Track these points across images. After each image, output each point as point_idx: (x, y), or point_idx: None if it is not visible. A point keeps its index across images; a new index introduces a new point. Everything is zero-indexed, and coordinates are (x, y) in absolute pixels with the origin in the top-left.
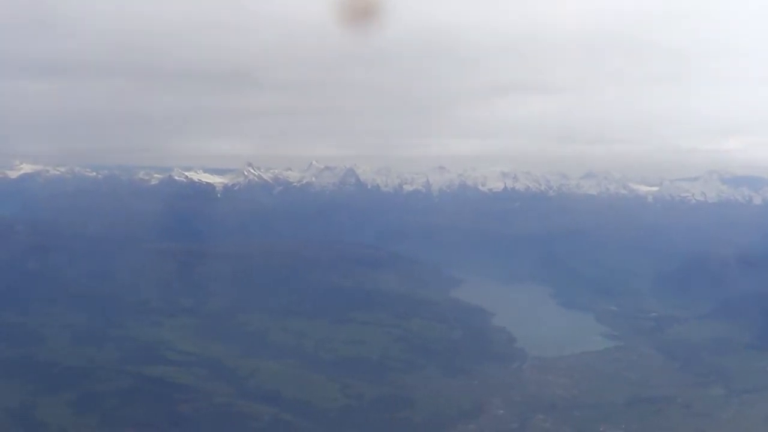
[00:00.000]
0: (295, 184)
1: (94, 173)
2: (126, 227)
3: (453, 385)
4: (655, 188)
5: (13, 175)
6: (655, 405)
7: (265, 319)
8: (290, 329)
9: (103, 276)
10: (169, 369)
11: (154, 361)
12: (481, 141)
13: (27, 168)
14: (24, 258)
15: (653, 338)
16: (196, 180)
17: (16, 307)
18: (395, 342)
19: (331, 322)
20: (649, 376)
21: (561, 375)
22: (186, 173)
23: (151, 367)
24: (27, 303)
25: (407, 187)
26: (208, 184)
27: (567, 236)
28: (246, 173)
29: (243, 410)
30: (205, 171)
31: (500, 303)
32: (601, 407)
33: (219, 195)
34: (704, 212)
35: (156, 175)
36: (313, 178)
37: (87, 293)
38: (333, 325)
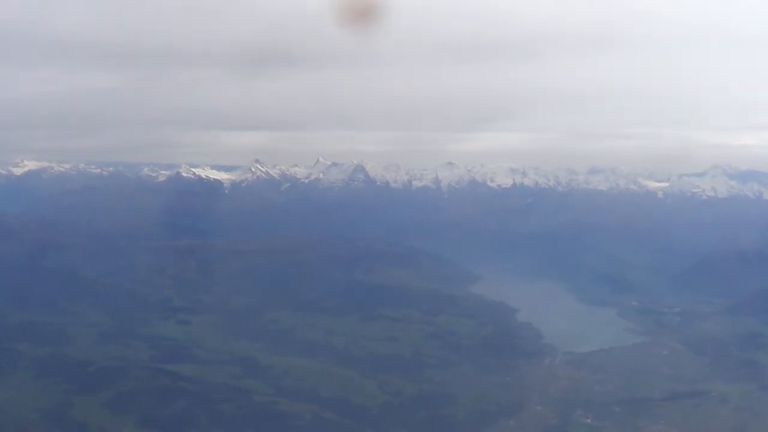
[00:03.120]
0: (302, 180)
1: (99, 170)
2: (137, 224)
3: (489, 382)
4: (664, 184)
5: (17, 172)
6: (692, 400)
7: (292, 316)
8: (318, 326)
9: (121, 273)
10: (203, 367)
11: (186, 360)
12: (490, 135)
13: (31, 165)
14: (40, 256)
15: (679, 333)
16: (204, 177)
17: (39, 305)
18: (427, 338)
19: (359, 319)
20: (682, 371)
21: (594, 371)
22: (193, 170)
23: (184, 365)
24: (49, 301)
25: (416, 184)
26: (215, 180)
27: (580, 232)
28: (253, 170)
29: (284, 409)
30: (212, 167)
31: (521, 299)
32: (639, 402)
33: (226, 191)
34: (716, 208)
35: (163, 172)
36: (321, 175)
37: (107, 291)
38: (361, 322)
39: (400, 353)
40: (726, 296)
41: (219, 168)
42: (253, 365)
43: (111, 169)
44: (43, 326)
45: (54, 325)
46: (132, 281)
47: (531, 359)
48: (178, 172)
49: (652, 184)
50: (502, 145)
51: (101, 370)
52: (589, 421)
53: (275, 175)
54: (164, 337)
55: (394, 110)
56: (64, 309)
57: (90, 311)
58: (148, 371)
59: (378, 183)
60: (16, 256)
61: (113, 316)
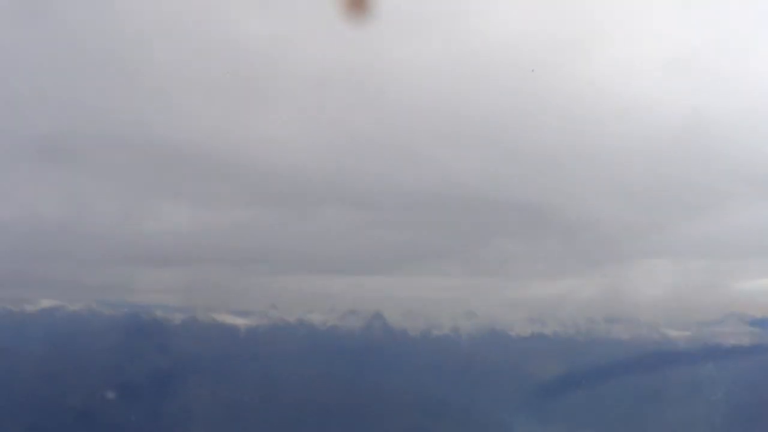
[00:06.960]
0: (319, 327)
1: (113, 311)
2: (156, 366)
3: None
4: (686, 333)
5: (31, 309)
6: None
7: None
8: None
9: (150, 418)
10: None
11: None
12: (506, 284)
13: (46, 303)
14: (70, 400)
15: None
16: (220, 321)
17: None
18: None
19: None
20: None
21: None
22: (210, 314)
23: None
24: None
25: (435, 332)
26: (231, 325)
27: (609, 382)
28: (270, 315)
29: None
30: (227, 312)
31: None
32: None
33: (242, 336)
34: (743, 357)
35: (178, 315)
36: (338, 322)
37: None
38: None
39: None
40: None
41: (234, 313)
42: None
43: (125, 310)
44: None
45: None
46: (163, 428)
47: None
48: (193, 316)
49: (674, 333)
50: (518, 293)
51: None
52: None
53: (291, 321)
54: None
55: (411, 257)
56: None
57: None
58: None
59: (396, 331)
60: (41, 396)
61: None
